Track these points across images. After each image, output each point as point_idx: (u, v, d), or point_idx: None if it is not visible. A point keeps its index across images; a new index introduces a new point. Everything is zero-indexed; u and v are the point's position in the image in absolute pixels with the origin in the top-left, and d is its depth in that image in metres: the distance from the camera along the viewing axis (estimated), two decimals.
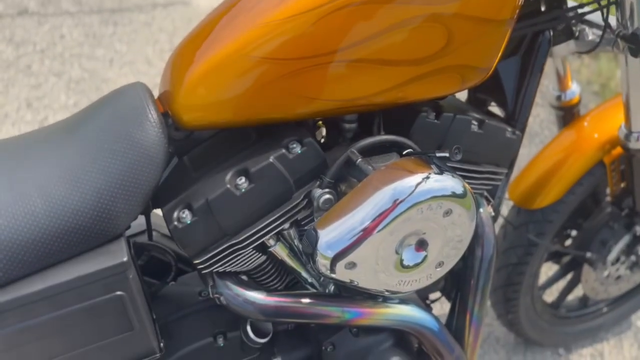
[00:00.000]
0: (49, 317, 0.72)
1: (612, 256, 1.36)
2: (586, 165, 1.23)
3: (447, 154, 0.77)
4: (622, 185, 1.30)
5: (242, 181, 0.77)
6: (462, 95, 1.08)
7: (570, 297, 1.60)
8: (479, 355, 1.61)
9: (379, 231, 0.74)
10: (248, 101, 0.76)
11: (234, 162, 0.80)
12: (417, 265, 0.80)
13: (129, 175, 0.73)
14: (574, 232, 1.43)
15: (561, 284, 1.59)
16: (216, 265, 0.81)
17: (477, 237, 0.98)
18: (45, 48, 2.72)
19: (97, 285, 0.72)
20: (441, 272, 0.84)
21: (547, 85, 1.34)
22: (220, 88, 0.76)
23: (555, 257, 1.47)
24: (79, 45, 2.72)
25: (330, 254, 0.75)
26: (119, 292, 0.73)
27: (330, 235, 0.74)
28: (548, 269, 1.68)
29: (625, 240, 1.35)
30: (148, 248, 0.96)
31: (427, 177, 0.75)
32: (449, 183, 0.76)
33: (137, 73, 2.55)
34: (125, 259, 0.72)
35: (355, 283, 0.79)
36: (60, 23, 2.85)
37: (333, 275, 0.77)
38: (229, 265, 0.82)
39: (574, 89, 1.31)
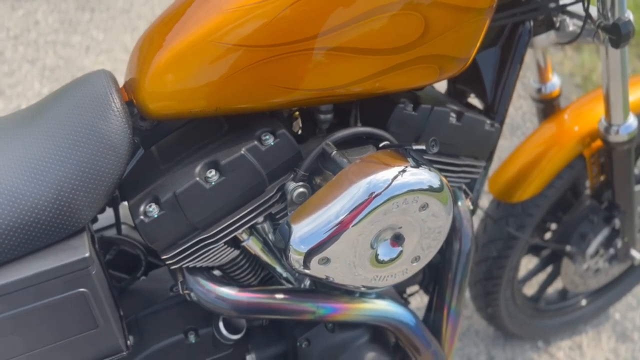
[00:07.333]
0: (6, 316, 0.69)
1: (591, 249, 1.35)
2: (566, 158, 1.22)
3: (423, 147, 0.75)
4: (602, 178, 1.30)
5: (212, 174, 0.74)
6: (442, 87, 1.06)
7: (550, 290, 1.60)
8: (459, 349, 1.61)
9: (354, 225, 0.72)
10: (218, 90, 0.74)
11: (204, 153, 0.77)
12: (392, 260, 0.79)
13: (90, 166, 0.70)
14: (553, 225, 1.43)
15: (540, 276, 1.60)
16: (186, 261, 0.79)
17: (454, 231, 0.97)
18: (19, 34, 2.65)
19: (57, 282, 0.69)
20: (417, 266, 0.82)
21: (529, 77, 1.33)
22: (189, 75, 0.73)
23: (534, 250, 1.47)
24: (54, 32, 2.65)
25: (304, 249, 0.73)
26: (81, 289, 0.70)
27: (304, 230, 0.73)
28: (527, 262, 1.69)
29: (604, 233, 1.35)
30: (117, 242, 0.93)
31: (404, 171, 0.73)
32: (425, 177, 0.74)
33: (115, 61, 2.49)
34: (87, 254, 0.69)
35: (331, 279, 0.78)
36: (34, 8, 2.78)
37: (307, 271, 0.75)
38: (199, 261, 0.80)
39: (554, 81, 1.30)
